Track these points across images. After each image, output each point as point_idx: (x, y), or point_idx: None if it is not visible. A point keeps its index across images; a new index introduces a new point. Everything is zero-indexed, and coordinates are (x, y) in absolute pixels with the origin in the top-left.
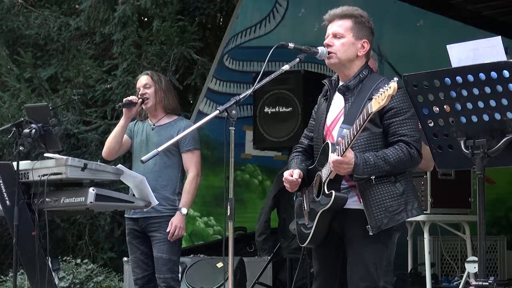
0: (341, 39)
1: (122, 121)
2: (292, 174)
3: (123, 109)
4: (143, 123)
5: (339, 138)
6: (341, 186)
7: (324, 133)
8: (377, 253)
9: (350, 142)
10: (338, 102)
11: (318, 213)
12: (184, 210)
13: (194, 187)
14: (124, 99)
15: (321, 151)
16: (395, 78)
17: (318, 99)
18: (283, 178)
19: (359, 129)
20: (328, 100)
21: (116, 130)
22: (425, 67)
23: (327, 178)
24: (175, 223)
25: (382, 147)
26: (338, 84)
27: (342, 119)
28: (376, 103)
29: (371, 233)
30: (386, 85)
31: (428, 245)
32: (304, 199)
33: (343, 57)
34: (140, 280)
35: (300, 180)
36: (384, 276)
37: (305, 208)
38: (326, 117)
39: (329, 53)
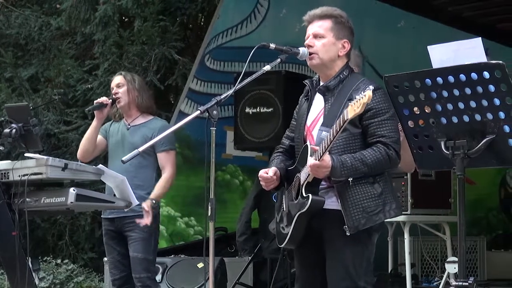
0: (321, 40)
1: (94, 123)
2: (268, 172)
3: (95, 111)
4: (118, 124)
5: (313, 146)
6: (320, 186)
7: (305, 133)
8: (356, 253)
9: (327, 147)
10: (318, 102)
11: (295, 215)
12: (155, 202)
13: (168, 185)
14: (95, 102)
15: (301, 153)
16: (371, 87)
17: (300, 99)
18: (258, 175)
19: (335, 134)
20: (309, 100)
21: (89, 132)
22: (406, 68)
23: (305, 181)
24: (148, 208)
25: (361, 147)
26: (319, 84)
27: (321, 120)
28: (352, 110)
29: (348, 234)
30: (362, 92)
31: (408, 245)
32: (284, 199)
33: (325, 57)
34: (118, 281)
35: (275, 177)
36: (364, 276)
37: (284, 209)
38: (306, 117)
39: (310, 54)
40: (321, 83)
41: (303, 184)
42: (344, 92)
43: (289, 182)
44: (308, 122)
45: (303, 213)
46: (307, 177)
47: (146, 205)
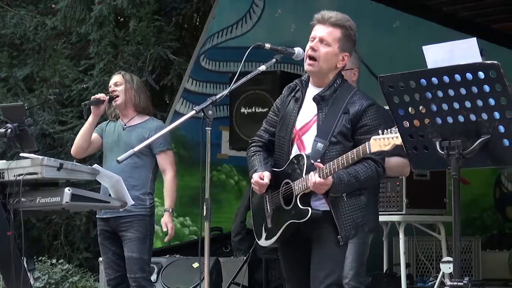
0: (326, 48)
1: (90, 119)
2: (263, 177)
3: (91, 107)
4: (115, 123)
5: (317, 163)
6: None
7: (293, 135)
8: (340, 252)
9: (337, 169)
10: (310, 107)
11: (286, 222)
12: (172, 211)
13: (175, 188)
14: (92, 97)
15: (294, 160)
16: (398, 132)
17: (284, 94)
18: (253, 181)
19: (351, 162)
20: (299, 102)
21: (85, 128)
22: (401, 68)
23: (301, 192)
24: (170, 224)
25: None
26: (308, 84)
27: (315, 129)
28: (377, 146)
29: (341, 243)
30: (392, 132)
31: (403, 245)
32: (267, 200)
33: (324, 66)
34: (112, 281)
35: (268, 182)
36: (357, 277)
37: (268, 210)
38: (296, 119)
39: (311, 57)
40: (312, 87)
41: (298, 195)
42: (338, 102)
43: (274, 184)
44: (298, 125)
45: (296, 223)
46: (305, 189)
47: (165, 220)
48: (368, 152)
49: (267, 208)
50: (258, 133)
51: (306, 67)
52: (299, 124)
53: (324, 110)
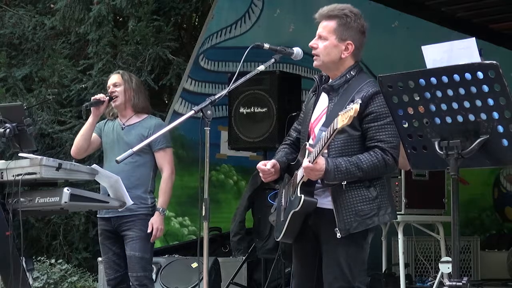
0: (324, 42)
1: (90, 119)
2: (266, 165)
3: (91, 108)
4: (113, 123)
5: (308, 147)
6: (317, 185)
7: (309, 129)
8: (351, 254)
9: (319, 151)
10: (323, 100)
11: (289, 213)
12: (163, 211)
13: (170, 187)
14: (92, 98)
15: (301, 149)
16: (358, 100)
17: (309, 93)
18: (257, 167)
19: (326, 141)
20: (317, 96)
21: (85, 128)
22: (400, 68)
23: (300, 180)
24: (156, 224)
25: (359, 150)
26: (328, 80)
27: (323, 119)
28: (340, 121)
29: (338, 236)
30: (351, 104)
31: (402, 245)
32: (283, 194)
33: (326, 59)
34: (112, 281)
35: (273, 170)
36: (358, 277)
37: (282, 204)
38: (312, 113)
39: (314, 55)
40: (330, 81)
41: (298, 183)
42: (348, 92)
43: (291, 176)
44: (312, 119)
45: (296, 212)
46: (302, 177)
47: (152, 220)
48: (335, 127)
49: (281, 201)
50: (289, 133)
51: (313, 64)
52: (313, 117)
53: (334, 100)
